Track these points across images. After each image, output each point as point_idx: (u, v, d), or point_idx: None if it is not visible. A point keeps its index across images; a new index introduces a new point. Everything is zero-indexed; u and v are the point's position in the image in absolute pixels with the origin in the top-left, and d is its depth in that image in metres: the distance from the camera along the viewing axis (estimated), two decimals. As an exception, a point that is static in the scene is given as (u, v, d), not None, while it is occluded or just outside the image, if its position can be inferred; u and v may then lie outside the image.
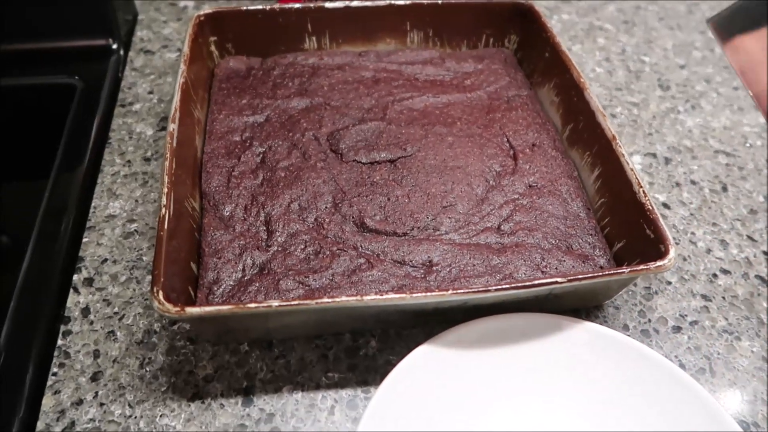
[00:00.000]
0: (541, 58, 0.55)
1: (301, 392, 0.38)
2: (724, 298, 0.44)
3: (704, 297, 0.44)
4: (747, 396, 0.39)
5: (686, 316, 0.43)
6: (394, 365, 0.36)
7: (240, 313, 0.34)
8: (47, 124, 0.56)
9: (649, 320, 0.43)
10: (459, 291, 0.35)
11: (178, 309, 0.33)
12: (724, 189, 0.52)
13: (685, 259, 0.46)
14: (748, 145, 0.56)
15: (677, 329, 0.42)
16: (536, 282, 0.36)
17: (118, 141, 0.53)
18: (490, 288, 0.35)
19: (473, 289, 0.35)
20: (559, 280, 0.36)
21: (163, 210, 0.38)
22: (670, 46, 0.68)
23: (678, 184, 0.52)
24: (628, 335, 0.42)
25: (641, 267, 0.37)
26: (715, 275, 0.46)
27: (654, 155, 0.55)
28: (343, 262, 0.41)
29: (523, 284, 0.36)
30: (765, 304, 0.44)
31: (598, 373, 0.38)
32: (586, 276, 0.37)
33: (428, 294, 0.35)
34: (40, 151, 0.54)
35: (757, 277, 0.46)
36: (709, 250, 0.47)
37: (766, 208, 0.51)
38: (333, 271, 0.41)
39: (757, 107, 0.59)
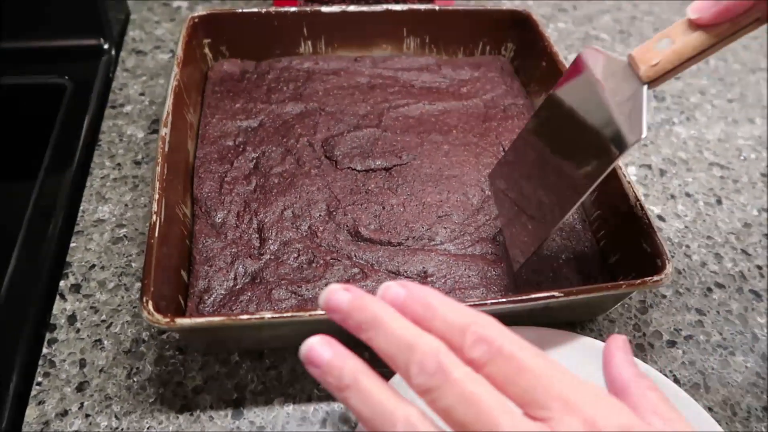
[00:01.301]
0: (538, 68, 0.55)
1: (293, 405, 0.37)
2: (718, 312, 0.44)
3: (699, 311, 0.44)
4: (742, 413, 0.39)
5: (681, 330, 0.43)
6: (387, 378, 0.35)
7: (231, 324, 0.33)
8: (36, 125, 0.54)
9: (644, 334, 0.42)
10: (455, 304, 0.34)
11: (168, 320, 0.32)
12: (719, 202, 0.52)
13: (680, 273, 0.46)
14: (742, 158, 0.56)
15: (672, 343, 0.42)
16: (533, 296, 0.35)
17: (108, 143, 0.52)
18: (486, 302, 0.35)
19: (469, 303, 0.35)
20: (556, 294, 0.35)
21: (154, 217, 0.37)
22: (665, 57, 0.67)
23: (673, 197, 0.52)
24: (623, 349, 0.41)
25: (638, 282, 0.36)
26: (709, 289, 0.46)
27: (649, 167, 0.55)
28: (336, 271, 0.41)
29: (519, 298, 0.35)
30: (759, 319, 0.44)
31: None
32: (582, 290, 0.36)
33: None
34: (27, 153, 0.53)
35: (752, 291, 0.46)
36: (703, 264, 0.47)
37: (760, 222, 0.51)
38: (326, 281, 0.40)
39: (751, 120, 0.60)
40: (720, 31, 0.30)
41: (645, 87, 0.33)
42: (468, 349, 0.24)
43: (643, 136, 0.31)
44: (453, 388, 0.23)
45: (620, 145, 0.32)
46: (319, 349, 0.26)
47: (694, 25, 0.31)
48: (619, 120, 0.33)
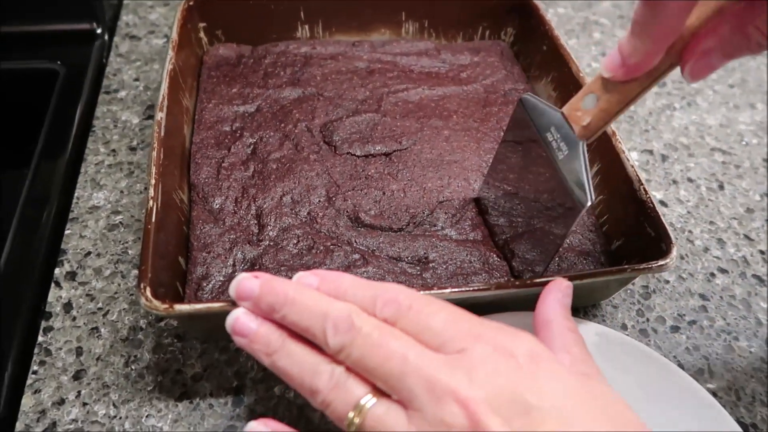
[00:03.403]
0: (538, 52, 0.54)
1: (293, 392, 0.37)
2: (721, 297, 0.44)
3: (702, 296, 0.44)
4: (746, 397, 0.38)
5: (684, 315, 0.43)
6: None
7: (231, 311, 0.32)
8: (28, 111, 0.53)
9: (648, 319, 0.42)
10: (456, 290, 0.34)
11: (166, 306, 0.31)
12: (721, 187, 0.52)
13: (683, 258, 0.46)
14: (744, 143, 0.56)
15: (675, 329, 0.42)
16: (537, 281, 0.35)
17: (102, 129, 0.51)
18: (488, 287, 0.34)
19: (471, 288, 0.34)
20: (559, 279, 0.35)
21: (151, 202, 0.36)
22: (665, 42, 0.67)
23: (675, 182, 0.52)
24: (627, 334, 0.41)
25: (643, 266, 0.36)
26: (712, 274, 0.45)
27: (651, 152, 0.54)
28: (337, 257, 0.40)
29: (522, 283, 0.35)
30: (762, 304, 0.44)
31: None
32: (585, 274, 0.36)
33: (426, 293, 0.34)
34: (20, 139, 0.52)
35: (755, 276, 0.45)
36: (706, 249, 0.47)
37: (762, 207, 0.50)
38: (327, 267, 0.40)
39: (752, 105, 0.59)
40: (638, 83, 0.30)
41: (582, 144, 0.33)
42: (380, 312, 0.26)
43: (589, 204, 0.32)
44: (363, 340, 0.25)
45: (573, 211, 0.33)
46: (245, 319, 0.28)
47: (612, 82, 0.30)
48: (567, 181, 0.33)
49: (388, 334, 0.25)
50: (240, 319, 0.28)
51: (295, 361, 0.26)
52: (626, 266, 0.36)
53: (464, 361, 0.24)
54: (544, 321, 0.30)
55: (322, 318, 0.26)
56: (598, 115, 0.32)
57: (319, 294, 0.27)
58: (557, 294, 0.31)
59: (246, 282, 0.28)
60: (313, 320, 0.26)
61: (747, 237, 0.48)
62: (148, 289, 0.32)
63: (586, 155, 0.33)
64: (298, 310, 0.27)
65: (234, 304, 0.31)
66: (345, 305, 0.26)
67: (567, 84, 0.50)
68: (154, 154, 0.39)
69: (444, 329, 0.25)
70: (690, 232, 0.48)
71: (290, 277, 0.38)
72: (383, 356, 0.24)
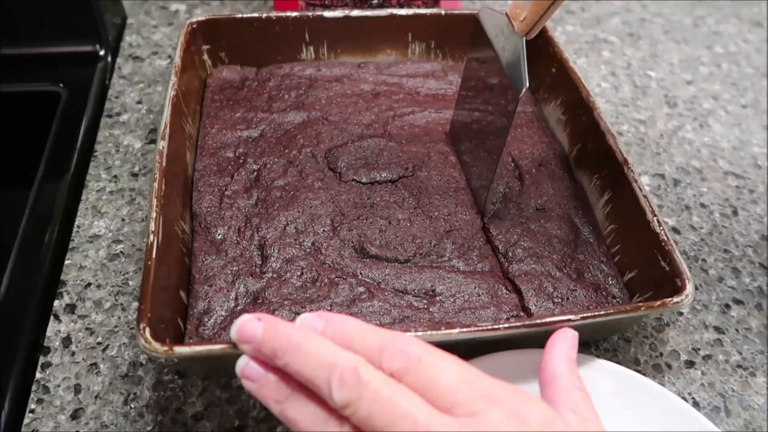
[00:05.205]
0: (547, 74, 0.53)
1: (297, 432, 0.36)
2: (737, 330, 0.43)
3: (717, 329, 0.43)
4: (764, 438, 0.37)
5: (699, 349, 0.41)
6: None
7: (232, 353, 0.31)
8: (30, 135, 0.53)
9: (661, 354, 0.41)
10: (465, 330, 0.33)
11: (166, 349, 0.30)
12: (735, 213, 0.50)
13: (697, 288, 0.45)
14: (758, 165, 0.55)
15: (690, 364, 0.40)
16: (547, 320, 0.34)
17: (104, 154, 0.50)
18: (499, 326, 0.33)
19: (480, 328, 0.33)
20: (572, 318, 0.34)
21: (152, 237, 0.35)
22: (676, 61, 0.66)
23: (687, 207, 0.51)
24: (640, 370, 0.40)
25: (657, 303, 0.35)
26: (727, 306, 0.44)
27: (662, 176, 0.53)
28: (342, 291, 0.39)
29: (533, 322, 0.34)
30: (779, 337, 0.42)
31: (609, 412, 0.36)
32: (598, 314, 0.35)
33: (433, 333, 0.33)
34: (22, 163, 0.51)
35: (771, 307, 0.44)
36: (721, 279, 0.46)
37: (777, 234, 0.49)
38: (331, 301, 0.39)
39: (765, 126, 0.58)
40: None
41: (523, 39, 0.37)
42: (387, 363, 0.25)
43: (525, 87, 0.36)
44: (371, 396, 0.24)
45: (513, 98, 0.37)
46: (256, 364, 0.27)
47: None
48: (510, 74, 0.37)
49: (398, 392, 0.24)
50: (250, 364, 0.27)
51: (307, 412, 0.26)
52: (639, 304, 0.35)
53: (477, 425, 0.23)
54: (550, 377, 0.29)
55: (327, 369, 0.25)
56: (532, 8, 0.36)
57: (324, 341, 0.26)
58: (563, 348, 0.31)
59: (248, 325, 0.27)
60: (318, 371, 0.25)
61: (762, 266, 0.47)
62: (147, 330, 0.31)
63: (525, 48, 0.37)
64: (302, 358, 0.26)
65: (235, 346, 0.30)
66: (352, 356, 0.25)
67: (577, 108, 0.49)
68: (156, 185, 0.38)
69: (457, 389, 0.24)
70: (704, 260, 0.47)
71: (295, 314, 0.38)
72: (392, 417, 0.23)
